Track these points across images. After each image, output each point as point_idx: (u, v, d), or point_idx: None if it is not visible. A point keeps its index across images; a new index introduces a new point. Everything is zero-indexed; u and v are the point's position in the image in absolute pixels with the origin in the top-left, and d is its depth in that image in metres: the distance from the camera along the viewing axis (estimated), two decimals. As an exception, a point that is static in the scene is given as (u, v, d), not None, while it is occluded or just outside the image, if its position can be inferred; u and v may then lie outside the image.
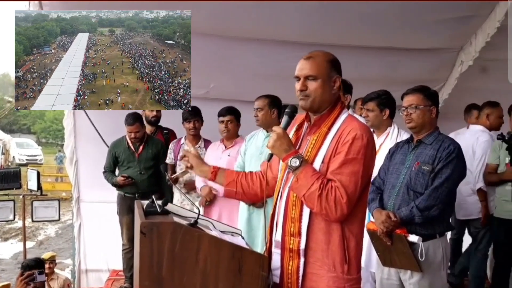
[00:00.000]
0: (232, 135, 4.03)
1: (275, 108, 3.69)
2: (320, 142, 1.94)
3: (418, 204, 2.63)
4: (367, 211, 2.92)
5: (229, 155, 3.98)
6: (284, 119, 2.01)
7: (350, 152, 1.85)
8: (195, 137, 4.40)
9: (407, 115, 2.78)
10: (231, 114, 3.99)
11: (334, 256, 1.89)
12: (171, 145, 4.58)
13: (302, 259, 1.92)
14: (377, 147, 3.27)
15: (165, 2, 4.25)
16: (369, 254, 3.17)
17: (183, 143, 4.46)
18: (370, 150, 1.89)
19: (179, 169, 4.37)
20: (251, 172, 2.23)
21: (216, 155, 4.04)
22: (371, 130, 1.99)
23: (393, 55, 4.85)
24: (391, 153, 2.94)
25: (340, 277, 1.90)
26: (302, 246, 1.91)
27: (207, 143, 4.40)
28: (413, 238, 2.63)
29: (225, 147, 4.05)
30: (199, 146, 4.39)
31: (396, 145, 2.96)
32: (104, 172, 4.71)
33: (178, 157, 4.26)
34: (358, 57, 4.72)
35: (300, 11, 4.21)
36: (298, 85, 1.97)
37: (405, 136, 3.12)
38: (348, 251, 1.90)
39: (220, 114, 4.00)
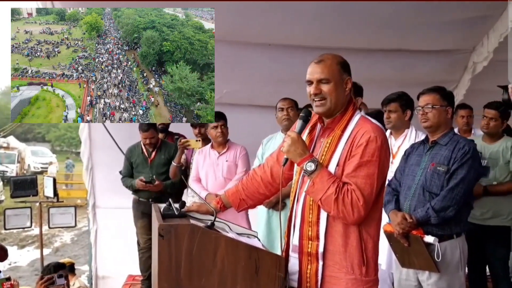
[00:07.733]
0: (225, 140, 4.01)
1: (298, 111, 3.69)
2: (335, 145, 1.95)
3: (434, 205, 2.63)
4: (383, 212, 2.96)
5: (227, 160, 3.95)
6: (299, 123, 2.02)
7: (365, 154, 1.86)
8: (204, 141, 4.42)
9: (423, 114, 2.78)
10: (223, 118, 3.97)
11: (352, 258, 1.90)
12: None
13: (320, 263, 1.93)
14: (395, 149, 3.28)
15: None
16: (390, 255, 3.14)
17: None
18: (384, 152, 1.89)
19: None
20: (249, 176, 2.24)
21: (211, 162, 4.00)
22: (385, 131, 1.98)
23: (405, 57, 4.83)
24: (407, 155, 2.93)
25: (359, 279, 1.91)
26: (321, 249, 1.92)
27: None
28: (429, 238, 2.62)
29: (219, 153, 4.01)
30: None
31: (412, 147, 2.95)
32: (122, 178, 4.77)
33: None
34: (370, 60, 4.71)
35: (312, 15, 4.21)
36: (311, 89, 1.97)
37: (423, 137, 3.08)
38: (366, 253, 1.91)
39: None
